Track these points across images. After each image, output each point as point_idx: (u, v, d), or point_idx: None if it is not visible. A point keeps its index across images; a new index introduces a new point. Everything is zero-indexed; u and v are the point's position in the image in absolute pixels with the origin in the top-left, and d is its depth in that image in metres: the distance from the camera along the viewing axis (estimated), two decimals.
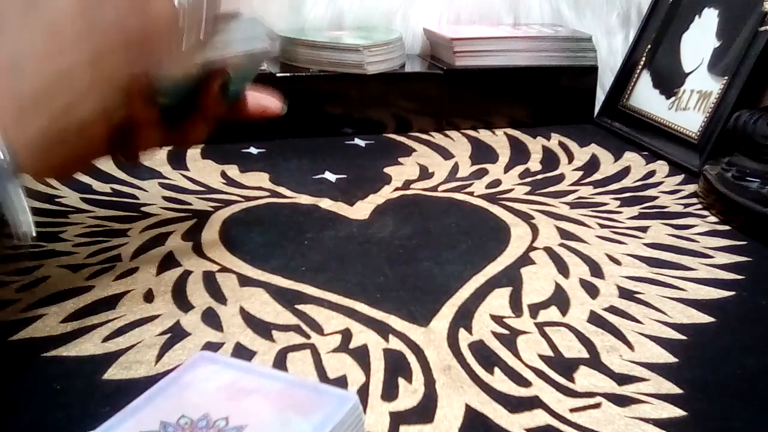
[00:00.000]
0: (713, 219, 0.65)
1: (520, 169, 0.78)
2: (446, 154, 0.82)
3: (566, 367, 0.43)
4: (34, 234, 0.35)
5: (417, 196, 0.69)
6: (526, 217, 0.65)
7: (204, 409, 0.33)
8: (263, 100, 0.52)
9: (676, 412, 0.39)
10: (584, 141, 0.87)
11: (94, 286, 0.51)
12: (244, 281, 0.52)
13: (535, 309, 0.50)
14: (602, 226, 0.63)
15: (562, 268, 0.55)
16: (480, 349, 0.45)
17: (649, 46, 0.91)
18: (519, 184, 0.73)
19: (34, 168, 0.36)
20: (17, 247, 0.35)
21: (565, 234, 0.62)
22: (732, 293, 0.52)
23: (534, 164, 0.79)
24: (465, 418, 0.38)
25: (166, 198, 0.66)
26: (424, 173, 0.75)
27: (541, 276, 0.54)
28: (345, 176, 0.74)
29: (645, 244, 0.60)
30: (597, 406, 0.40)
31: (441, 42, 0.93)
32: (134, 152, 0.46)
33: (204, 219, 0.62)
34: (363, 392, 0.40)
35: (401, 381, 0.41)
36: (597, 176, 0.76)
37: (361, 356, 0.44)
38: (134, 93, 0.40)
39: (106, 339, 0.45)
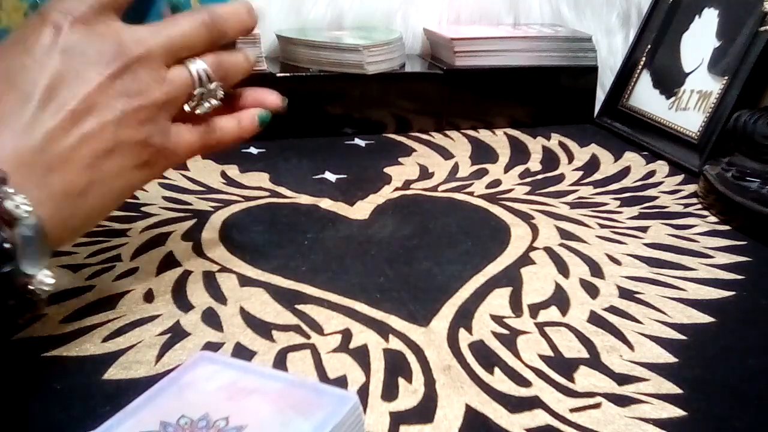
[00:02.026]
0: (713, 219, 0.65)
1: (520, 169, 0.78)
2: (446, 154, 0.82)
3: (566, 367, 0.43)
4: (49, 291, 0.36)
5: (417, 196, 0.69)
6: (526, 217, 0.65)
7: (204, 409, 0.33)
8: (262, 94, 0.52)
9: (676, 412, 0.39)
10: (584, 141, 0.87)
11: (94, 286, 0.51)
12: (244, 281, 0.52)
13: (535, 309, 0.50)
14: (602, 226, 0.64)
15: (562, 268, 0.56)
16: (480, 349, 0.45)
17: (649, 46, 0.91)
18: (519, 184, 0.73)
19: (56, 222, 0.38)
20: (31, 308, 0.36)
21: (565, 234, 0.62)
22: (732, 293, 0.52)
23: (534, 164, 0.79)
24: (465, 418, 0.38)
25: (166, 198, 0.66)
26: (424, 173, 0.75)
27: (541, 276, 0.54)
28: (345, 176, 0.74)
29: (645, 244, 0.60)
30: (597, 406, 0.40)
31: (441, 42, 0.93)
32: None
33: (204, 219, 0.62)
34: (363, 392, 0.40)
35: (401, 381, 0.41)
36: (597, 176, 0.76)
37: (361, 356, 0.44)
38: (156, 152, 0.43)
39: (106, 339, 0.45)
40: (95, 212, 0.41)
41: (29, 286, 0.35)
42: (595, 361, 0.44)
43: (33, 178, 0.36)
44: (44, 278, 0.36)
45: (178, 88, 0.43)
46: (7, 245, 0.34)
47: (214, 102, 0.45)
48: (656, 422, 0.39)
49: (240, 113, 0.50)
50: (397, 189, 0.71)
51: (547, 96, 0.93)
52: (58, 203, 0.38)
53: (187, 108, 0.44)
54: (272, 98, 0.52)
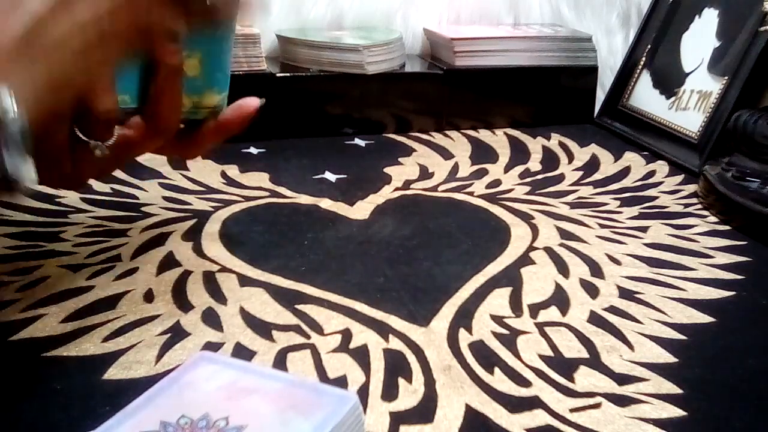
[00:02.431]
0: (713, 219, 0.65)
1: (520, 169, 0.78)
2: (446, 154, 0.82)
3: (566, 367, 0.43)
4: (35, 183, 0.35)
5: (417, 196, 0.69)
6: (526, 217, 0.65)
7: (204, 409, 0.33)
8: (240, 107, 0.48)
9: (676, 412, 0.39)
10: (584, 141, 0.87)
11: (94, 286, 0.51)
12: (244, 281, 0.52)
13: (535, 309, 0.50)
14: (602, 226, 0.63)
15: (562, 268, 0.56)
16: (480, 349, 0.45)
17: (649, 46, 0.91)
18: (519, 184, 0.73)
19: (39, 116, 0.35)
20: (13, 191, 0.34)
21: (565, 234, 0.62)
22: (732, 293, 0.52)
23: (534, 164, 0.79)
24: (465, 418, 0.38)
25: (166, 198, 0.66)
26: (424, 173, 0.75)
27: (541, 276, 0.54)
28: (345, 176, 0.74)
29: (645, 244, 0.60)
30: (597, 406, 0.40)
31: (441, 42, 0.93)
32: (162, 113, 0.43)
33: (204, 219, 0.62)
34: (363, 392, 0.40)
35: (401, 381, 0.41)
36: (597, 176, 0.76)
37: (361, 356, 0.44)
38: (155, 33, 0.39)
39: (106, 339, 0.45)
40: (77, 95, 0.37)
41: (10, 177, 0.33)
42: (595, 361, 0.44)
43: (16, 69, 0.33)
44: (27, 171, 0.33)
45: None
46: None
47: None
48: (656, 422, 0.39)
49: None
50: (397, 189, 0.71)
51: (547, 96, 0.93)
52: (41, 95, 0.35)
53: None
54: (250, 103, 0.48)
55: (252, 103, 0.48)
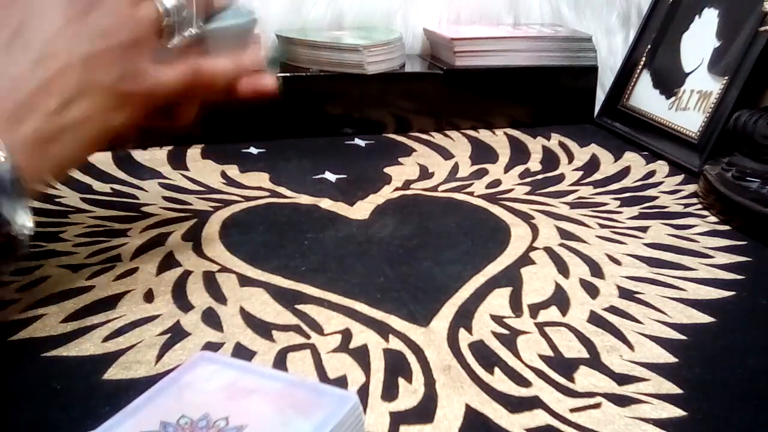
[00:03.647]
0: (713, 219, 0.65)
1: (520, 169, 0.78)
2: (446, 154, 0.82)
3: (566, 367, 0.43)
4: (31, 234, 0.36)
5: (417, 196, 0.69)
6: (526, 217, 0.65)
7: (204, 409, 0.33)
8: (257, 78, 0.51)
9: (676, 412, 0.39)
10: (584, 141, 0.87)
11: (94, 286, 0.51)
12: (244, 281, 0.52)
13: (535, 309, 0.50)
14: (602, 226, 0.63)
15: (562, 268, 0.56)
16: (480, 349, 0.45)
17: (649, 46, 0.91)
18: (519, 184, 0.73)
19: (30, 168, 0.37)
20: (14, 251, 0.36)
21: (565, 234, 0.62)
22: (732, 293, 0.52)
23: (534, 164, 0.79)
24: (465, 418, 0.38)
25: (166, 198, 0.66)
26: (424, 173, 0.75)
27: (541, 276, 0.54)
28: (345, 176, 0.74)
29: (645, 244, 0.60)
30: (597, 406, 0.40)
31: (441, 42, 0.93)
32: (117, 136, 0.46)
33: (204, 219, 0.62)
34: (363, 392, 0.40)
35: (401, 381, 0.41)
36: (597, 176, 0.76)
37: (361, 356, 0.44)
38: (129, 94, 0.41)
39: (106, 339, 0.45)
40: (70, 157, 0.40)
41: (10, 232, 0.35)
42: (595, 361, 0.44)
43: (0, 127, 0.36)
44: (25, 221, 0.35)
45: (144, 26, 0.41)
46: None
47: (188, 32, 0.43)
48: (656, 422, 0.39)
49: (240, 51, 0.48)
50: (397, 189, 0.71)
51: (547, 96, 0.93)
52: (29, 150, 0.37)
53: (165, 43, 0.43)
54: (268, 81, 0.51)
55: (270, 86, 0.50)
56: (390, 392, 0.40)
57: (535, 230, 0.62)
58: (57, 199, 0.65)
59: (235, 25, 0.49)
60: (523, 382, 0.42)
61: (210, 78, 0.46)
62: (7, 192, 0.35)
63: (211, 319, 0.47)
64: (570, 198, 0.70)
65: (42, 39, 0.38)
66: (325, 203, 0.67)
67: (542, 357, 0.44)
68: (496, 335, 0.46)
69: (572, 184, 0.73)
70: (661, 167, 0.79)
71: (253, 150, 0.80)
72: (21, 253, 0.36)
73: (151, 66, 0.42)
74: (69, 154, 0.40)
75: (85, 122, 0.40)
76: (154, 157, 0.76)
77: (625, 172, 0.77)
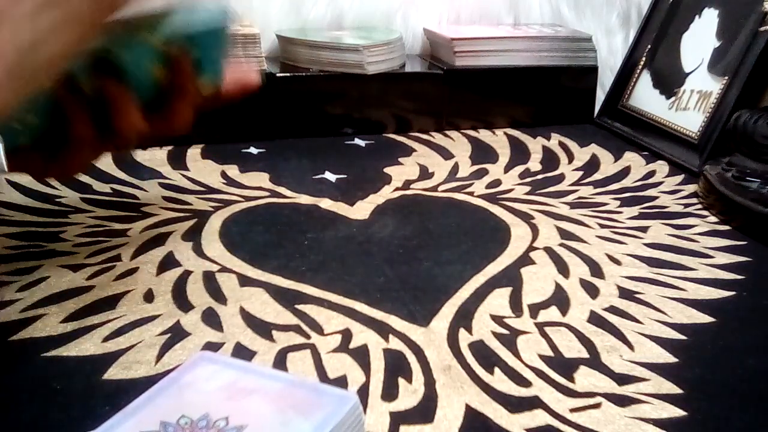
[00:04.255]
0: (713, 219, 0.65)
1: (520, 169, 0.78)
2: (446, 154, 0.82)
3: (566, 367, 0.43)
4: (5, 169, 0.36)
5: (417, 196, 0.69)
6: (526, 217, 0.65)
7: (204, 409, 0.33)
8: (240, 75, 0.52)
9: (676, 412, 0.39)
10: (584, 141, 0.87)
11: (94, 286, 0.51)
12: (244, 281, 0.52)
13: (535, 309, 0.50)
14: (602, 226, 0.64)
15: (562, 268, 0.56)
16: (480, 349, 0.45)
17: (649, 46, 0.91)
18: (519, 184, 0.73)
19: (9, 116, 0.37)
20: None
21: (565, 234, 0.62)
22: (732, 293, 0.52)
23: (534, 164, 0.79)
24: (465, 418, 0.38)
25: (166, 198, 0.66)
26: (424, 173, 0.75)
27: (541, 276, 0.54)
28: (345, 176, 0.74)
29: (645, 244, 0.60)
30: (597, 406, 0.40)
31: (441, 42, 0.93)
32: (120, 138, 0.46)
33: (204, 219, 0.62)
34: (363, 392, 0.40)
35: (401, 381, 0.41)
36: (597, 176, 0.76)
37: (361, 356, 0.44)
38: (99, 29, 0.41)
39: (106, 339, 0.45)
40: (45, 66, 0.39)
41: None
42: (595, 361, 0.44)
43: None
44: None
45: None
46: None
47: None
48: (656, 422, 0.39)
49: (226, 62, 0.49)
50: (397, 189, 0.71)
51: (547, 96, 0.93)
52: (7, 60, 0.36)
53: None
54: (250, 76, 0.52)
55: (251, 79, 0.51)
56: (390, 392, 0.40)
57: (535, 230, 0.62)
58: (57, 199, 0.65)
59: (212, 28, 0.49)
60: (523, 382, 0.42)
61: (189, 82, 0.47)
62: None
63: (211, 319, 0.47)
64: (570, 198, 0.70)
65: None
66: (325, 203, 0.67)
67: (542, 357, 0.44)
68: (496, 335, 0.46)
69: (572, 184, 0.73)
70: (661, 167, 0.79)
71: (253, 150, 0.80)
72: None
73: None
74: (45, 63, 0.39)
75: (60, 59, 0.39)
76: (154, 157, 0.76)
77: (625, 172, 0.77)
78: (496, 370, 0.43)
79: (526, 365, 0.43)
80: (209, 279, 0.52)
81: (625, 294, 0.52)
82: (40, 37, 0.38)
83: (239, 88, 0.51)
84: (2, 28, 0.36)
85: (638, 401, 0.40)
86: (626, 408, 0.40)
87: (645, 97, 0.89)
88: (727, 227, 0.64)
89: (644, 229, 0.63)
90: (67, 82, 0.42)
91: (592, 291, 0.52)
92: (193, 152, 0.79)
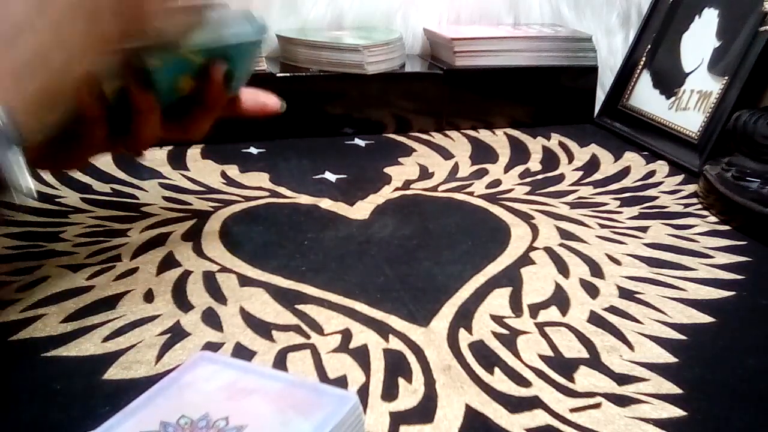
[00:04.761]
0: (713, 219, 0.65)
1: (520, 169, 0.78)
2: (446, 154, 0.82)
3: (566, 367, 0.43)
4: (35, 195, 0.36)
5: (417, 196, 0.69)
6: (526, 217, 0.65)
7: (204, 409, 0.33)
8: (261, 97, 0.53)
9: (676, 412, 0.39)
10: (584, 141, 0.87)
11: (94, 286, 0.51)
12: (244, 281, 0.52)
13: (535, 309, 0.50)
14: (602, 226, 0.64)
15: (562, 268, 0.56)
16: (480, 349, 0.45)
17: (649, 46, 0.91)
18: (519, 184, 0.73)
19: (31, 128, 0.37)
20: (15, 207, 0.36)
21: (565, 234, 0.62)
22: (732, 293, 0.52)
23: (534, 164, 0.79)
24: (465, 418, 0.38)
25: (166, 198, 0.66)
26: (424, 173, 0.75)
27: (541, 276, 0.54)
28: (345, 176, 0.74)
29: (645, 244, 0.60)
30: (597, 406, 0.40)
31: (441, 42, 0.93)
32: (136, 142, 0.46)
33: (204, 219, 0.62)
34: (363, 392, 0.40)
35: (401, 381, 0.41)
36: (597, 176, 0.76)
37: (361, 356, 0.44)
38: (127, 58, 0.41)
39: (106, 339, 0.45)
40: (68, 76, 0.39)
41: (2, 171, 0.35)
42: (595, 361, 0.44)
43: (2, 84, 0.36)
44: (17, 163, 0.35)
45: None
46: None
47: None
48: (656, 422, 0.39)
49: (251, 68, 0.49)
50: (397, 189, 0.71)
51: (547, 96, 0.93)
52: (18, 75, 0.37)
53: None
54: (271, 100, 0.53)
55: (273, 106, 0.53)
56: (390, 392, 0.40)
57: (535, 230, 0.62)
58: (57, 199, 0.65)
59: (246, 42, 0.49)
60: (523, 382, 0.42)
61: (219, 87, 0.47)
62: (7, 156, 0.34)
63: (211, 319, 0.47)
64: (570, 198, 0.70)
65: None
66: (325, 203, 0.67)
67: (542, 357, 0.44)
68: (496, 335, 0.46)
69: (572, 184, 0.73)
70: (661, 167, 0.79)
71: (253, 150, 0.80)
72: (5, 196, 0.36)
73: (153, 30, 0.42)
74: (59, 78, 0.39)
75: (88, 83, 0.39)
76: (154, 157, 0.76)
77: (625, 172, 0.77)
78: (496, 370, 0.43)
79: (526, 365, 0.43)
80: (209, 279, 0.52)
81: (625, 294, 0.52)
82: (64, 47, 0.38)
83: (260, 111, 0.53)
84: (26, 38, 0.37)
85: (638, 401, 0.40)
86: (626, 408, 0.40)
87: (645, 97, 0.89)
88: (727, 227, 0.64)
89: (644, 229, 0.63)
90: (89, 83, 0.42)
91: (592, 291, 0.52)
92: (193, 152, 0.79)
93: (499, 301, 0.50)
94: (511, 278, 0.54)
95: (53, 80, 0.38)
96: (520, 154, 0.83)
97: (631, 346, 0.46)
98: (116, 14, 0.40)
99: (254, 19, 0.49)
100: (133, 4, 0.41)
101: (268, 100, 0.53)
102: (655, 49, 0.90)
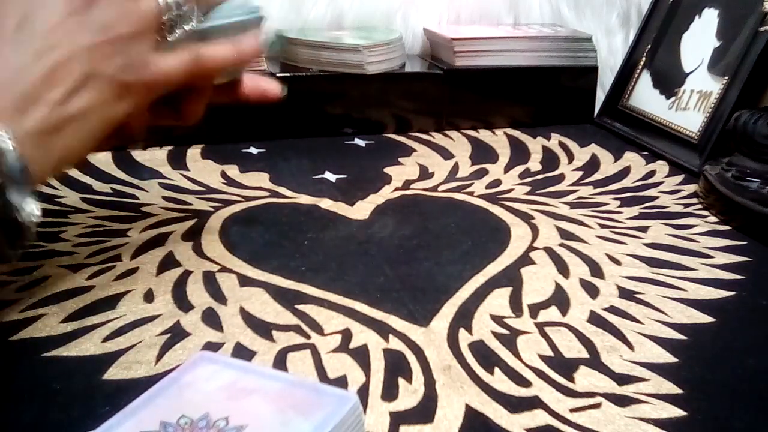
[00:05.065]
0: (713, 219, 0.65)
1: (520, 169, 0.78)
2: (446, 154, 0.82)
3: (566, 367, 0.43)
4: (38, 222, 0.37)
5: (417, 196, 0.69)
6: (526, 217, 0.65)
7: (204, 409, 0.33)
8: (262, 83, 0.53)
9: (676, 412, 0.39)
10: (584, 141, 0.87)
11: (94, 286, 0.51)
12: (244, 281, 0.52)
13: (535, 309, 0.50)
14: (602, 226, 0.63)
15: (562, 268, 0.56)
16: (480, 349, 0.45)
17: (649, 46, 0.91)
18: (519, 184, 0.73)
19: (36, 158, 0.38)
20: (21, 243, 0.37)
21: (565, 234, 0.62)
22: (732, 293, 0.52)
23: (534, 164, 0.79)
24: (465, 418, 0.38)
25: (166, 198, 0.66)
26: (424, 173, 0.75)
27: (541, 276, 0.54)
28: (345, 176, 0.74)
29: (645, 244, 0.60)
30: (597, 406, 0.40)
31: (441, 42, 0.93)
32: (129, 130, 0.46)
33: (204, 219, 0.62)
34: (363, 392, 0.40)
35: (401, 381, 0.41)
36: (597, 176, 0.76)
37: (361, 356, 0.44)
38: (131, 84, 0.42)
39: (106, 339, 0.45)
40: (75, 148, 0.41)
41: (18, 219, 0.36)
42: (595, 361, 0.44)
43: (5, 118, 0.36)
44: (33, 209, 0.36)
45: (145, 19, 0.42)
46: None
47: (189, 26, 0.44)
48: (656, 422, 0.39)
49: (240, 38, 0.48)
50: (397, 189, 0.71)
51: (547, 96, 0.93)
52: (35, 140, 0.38)
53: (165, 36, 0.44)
54: (272, 86, 0.53)
55: (274, 91, 0.53)
56: (390, 392, 0.40)
57: (535, 230, 0.62)
58: (57, 199, 0.65)
59: (240, 21, 0.49)
60: (523, 382, 0.42)
61: (211, 63, 0.46)
62: (16, 180, 0.36)
63: (211, 319, 0.47)
64: (570, 198, 0.70)
65: (44, 30, 0.38)
66: (325, 203, 0.67)
67: (542, 357, 0.44)
68: (496, 335, 0.46)
69: (572, 184, 0.73)
70: (661, 167, 0.79)
71: (253, 150, 0.80)
72: (28, 240, 0.37)
73: (152, 56, 0.43)
74: (73, 144, 0.41)
75: (88, 112, 0.40)
76: (154, 157, 0.77)
77: (625, 172, 0.77)
78: (496, 370, 0.43)
79: (526, 365, 0.43)
80: (209, 279, 0.52)
81: (625, 294, 0.52)
82: (71, 120, 0.39)
83: (260, 96, 0.52)
84: (35, 111, 0.38)
85: (638, 401, 0.40)
86: (626, 408, 0.40)
87: (645, 97, 0.89)
88: (727, 227, 0.64)
89: (644, 229, 0.63)
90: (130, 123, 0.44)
91: (592, 291, 0.52)
92: (193, 152, 0.79)
93: (499, 301, 0.50)
94: (511, 278, 0.54)
95: (56, 108, 0.39)
96: (520, 154, 0.83)
97: (631, 346, 0.46)
98: (114, 48, 0.41)
99: (251, 4, 0.49)
100: (131, 42, 0.42)
101: (269, 86, 0.53)
102: (655, 49, 0.90)
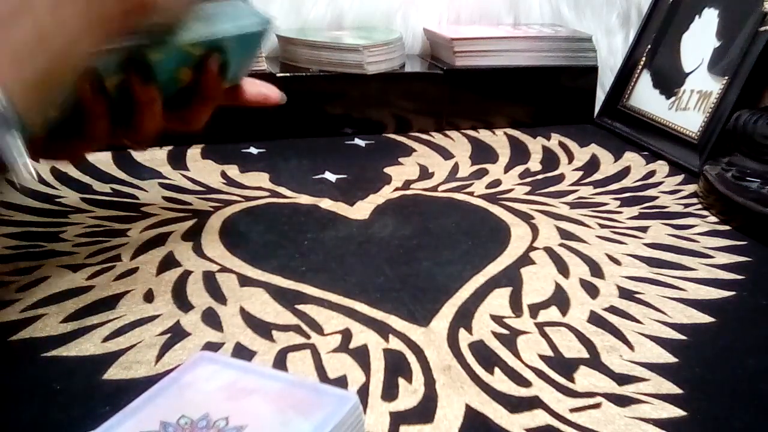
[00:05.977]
0: (713, 219, 0.65)
1: (520, 169, 0.78)
2: (446, 154, 0.82)
3: (566, 367, 0.43)
4: (35, 177, 0.36)
5: (417, 196, 0.69)
6: (526, 217, 0.65)
7: (204, 409, 0.33)
8: (263, 88, 0.53)
9: (676, 412, 0.39)
10: (584, 141, 0.87)
11: (94, 286, 0.51)
12: (244, 281, 0.52)
13: (535, 309, 0.50)
14: (602, 226, 0.64)
15: (562, 268, 0.56)
16: (480, 349, 0.45)
17: (649, 46, 0.91)
18: (519, 184, 0.73)
19: (31, 112, 0.36)
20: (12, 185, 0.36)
21: (565, 234, 0.62)
22: (732, 293, 0.52)
23: (534, 164, 0.79)
24: (465, 418, 0.38)
25: (166, 198, 0.66)
26: (424, 173, 0.75)
27: (541, 276, 0.54)
28: (345, 176, 0.74)
29: (645, 244, 0.60)
30: (597, 406, 0.40)
31: (441, 42, 0.93)
32: (138, 134, 0.46)
33: (204, 219, 0.62)
34: (363, 392, 0.40)
35: (401, 381, 0.41)
36: (597, 176, 0.76)
37: (361, 356, 0.44)
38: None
39: (106, 339, 0.45)
40: (67, 60, 0.39)
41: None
42: (595, 361, 0.44)
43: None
44: (16, 145, 0.35)
45: None
46: None
47: None
48: (656, 422, 0.39)
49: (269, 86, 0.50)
50: (397, 189, 0.71)
51: (547, 96, 0.93)
52: (17, 57, 0.36)
53: None
54: (273, 91, 0.53)
55: (274, 97, 0.53)
56: (390, 392, 0.40)
57: (535, 230, 0.62)
58: (57, 199, 0.65)
59: (251, 33, 0.49)
60: (523, 382, 0.42)
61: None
62: (6, 138, 0.34)
63: (211, 319, 0.47)
64: (570, 198, 0.70)
65: None
66: (325, 203, 0.67)
67: (542, 357, 0.44)
68: (496, 335, 0.46)
69: (572, 184, 0.73)
70: (661, 167, 0.79)
71: (253, 150, 0.80)
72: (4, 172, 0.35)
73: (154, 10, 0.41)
74: (57, 57, 0.38)
75: (81, 23, 0.38)
76: (154, 157, 0.77)
77: (625, 172, 0.77)
78: (496, 370, 0.43)
79: (526, 365, 0.43)
80: (209, 279, 0.52)
81: (625, 294, 0.52)
82: (62, 29, 0.37)
83: (261, 101, 0.53)
84: (25, 19, 0.36)
85: (638, 401, 0.40)
86: (626, 408, 0.40)
87: (645, 97, 0.89)
88: (727, 227, 0.64)
89: (644, 229, 0.63)
90: (90, 79, 0.42)
91: (592, 291, 0.52)
92: (193, 152, 0.79)
93: (499, 301, 0.50)
94: (511, 278, 0.54)
95: (53, 63, 0.37)
96: (520, 154, 0.83)
97: (631, 346, 0.46)
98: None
99: (257, 11, 0.49)
100: None
101: (270, 91, 0.53)
102: (655, 49, 0.90)
